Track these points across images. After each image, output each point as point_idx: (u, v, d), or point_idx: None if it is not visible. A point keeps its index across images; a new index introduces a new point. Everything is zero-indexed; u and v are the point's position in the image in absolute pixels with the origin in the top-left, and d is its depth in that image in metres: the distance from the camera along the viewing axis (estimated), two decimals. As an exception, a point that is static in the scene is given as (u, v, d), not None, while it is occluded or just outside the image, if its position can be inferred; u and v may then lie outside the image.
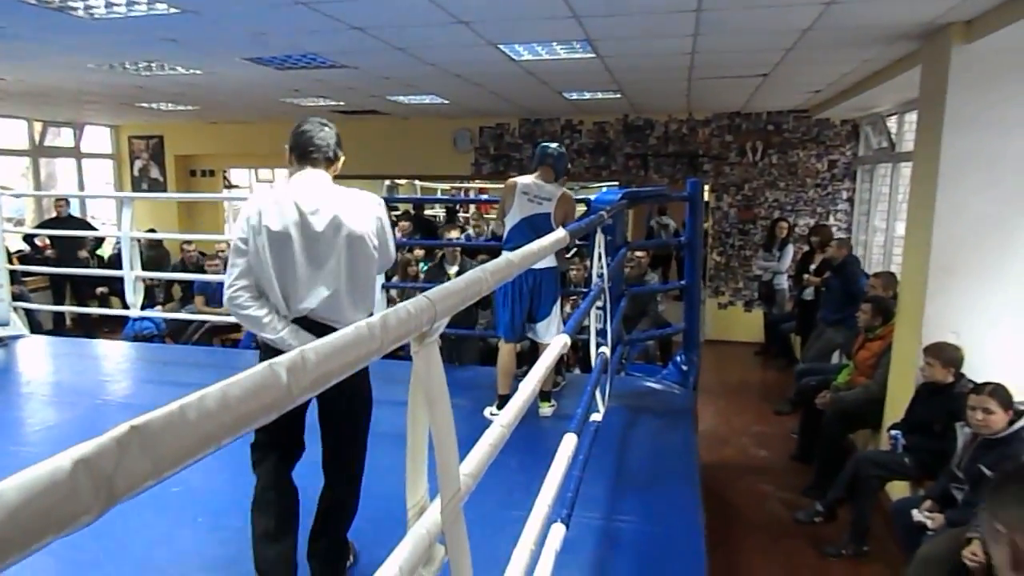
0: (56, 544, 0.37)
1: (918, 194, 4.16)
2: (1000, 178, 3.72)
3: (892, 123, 6.93)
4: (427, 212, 10.85)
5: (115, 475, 0.40)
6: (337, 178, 2.42)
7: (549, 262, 3.74)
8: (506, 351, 3.82)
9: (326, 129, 2.36)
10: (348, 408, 2.32)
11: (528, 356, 4.71)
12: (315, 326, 2.16)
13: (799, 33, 4.08)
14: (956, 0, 3.30)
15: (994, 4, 3.32)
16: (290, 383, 0.57)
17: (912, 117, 6.06)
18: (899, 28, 3.93)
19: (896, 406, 4.16)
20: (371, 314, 1.07)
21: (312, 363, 0.61)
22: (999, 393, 3.15)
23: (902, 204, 6.42)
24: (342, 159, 2.40)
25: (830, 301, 6.21)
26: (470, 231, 8.50)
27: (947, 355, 3.68)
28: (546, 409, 3.87)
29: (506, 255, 1.36)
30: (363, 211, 2.22)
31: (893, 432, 3.95)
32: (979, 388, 3.25)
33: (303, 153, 2.31)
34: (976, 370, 3.67)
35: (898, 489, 4.13)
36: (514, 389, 1.75)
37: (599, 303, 3.35)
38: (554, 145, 3.94)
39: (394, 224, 7.66)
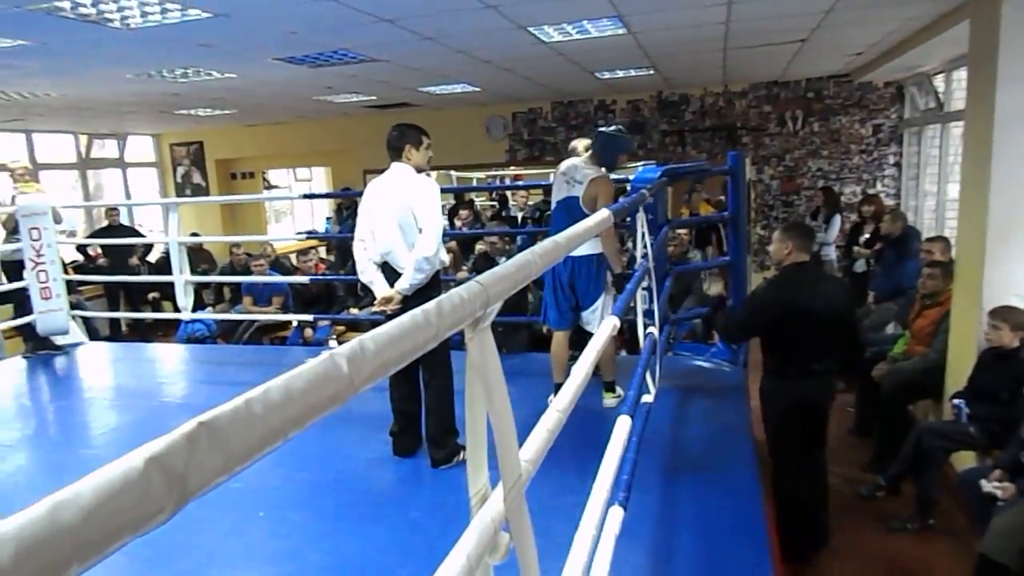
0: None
1: (972, 155, 4.00)
2: (1060, 133, 3.55)
3: (939, 82, 6.68)
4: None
5: (187, 472, 0.39)
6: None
7: (590, 248, 3.58)
8: (557, 340, 3.77)
9: (392, 134, 3.20)
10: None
11: (577, 342, 4.66)
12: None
13: (838, -6, 3.95)
14: (1007, -54, 3.15)
15: (1048, -52, 3.15)
16: (351, 373, 0.56)
17: (961, 75, 5.83)
18: (945, -19, 3.77)
19: (957, 374, 4.02)
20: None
21: (371, 352, 0.60)
22: None
23: (953, 166, 6.19)
24: (409, 151, 3.17)
25: (885, 275, 6.03)
26: (519, 214, 8.45)
27: (1016, 318, 3.54)
28: (611, 400, 3.77)
29: (553, 237, 1.34)
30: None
31: (956, 401, 3.82)
32: None
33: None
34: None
35: (964, 460, 4.00)
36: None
37: (644, 284, 3.30)
38: (603, 129, 3.76)
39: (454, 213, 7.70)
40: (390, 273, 3.16)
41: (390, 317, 3.03)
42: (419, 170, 3.18)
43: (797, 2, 4.17)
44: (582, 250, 3.60)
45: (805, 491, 3.48)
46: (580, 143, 4.48)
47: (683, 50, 5.68)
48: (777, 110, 8.31)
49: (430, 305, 0.75)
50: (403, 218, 3.08)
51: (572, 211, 3.47)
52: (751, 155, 8.39)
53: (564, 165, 3.73)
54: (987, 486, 3.19)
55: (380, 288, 3.17)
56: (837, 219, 7.48)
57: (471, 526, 0.93)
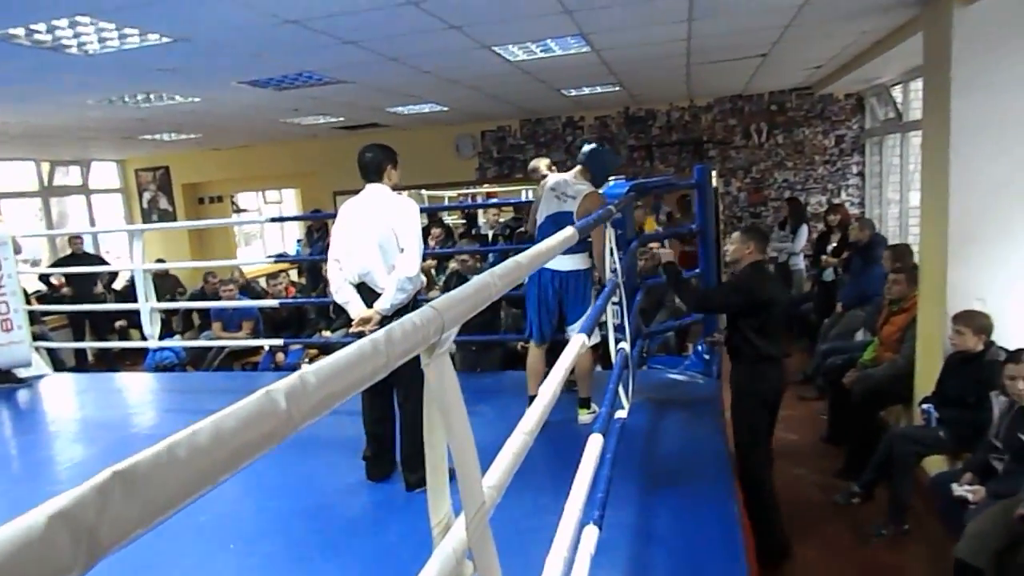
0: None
1: (931, 163, 4.08)
2: (1013, 140, 3.64)
3: (897, 93, 6.84)
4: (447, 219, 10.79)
5: (98, 526, 0.36)
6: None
7: (578, 263, 3.62)
8: (534, 354, 3.76)
9: (366, 155, 3.19)
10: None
11: (550, 358, 4.65)
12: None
13: (795, 9, 4.02)
14: (954, -39, 3.23)
15: (994, -38, 3.25)
16: (290, 409, 0.54)
17: (917, 85, 5.97)
18: (897, -5, 3.86)
19: (926, 379, 4.08)
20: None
21: (313, 386, 0.58)
22: None
23: (915, 174, 6.33)
24: (389, 171, 3.20)
25: (853, 283, 6.12)
26: (489, 232, 8.44)
27: (978, 322, 3.61)
28: (586, 417, 3.74)
29: (515, 257, 1.32)
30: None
31: (925, 406, 3.87)
32: (1017, 356, 3.18)
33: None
34: (1004, 337, 3.59)
35: (935, 464, 4.04)
36: None
37: (615, 299, 3.30)
38: (591, 145, 3.82)
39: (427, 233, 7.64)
40: (367, 294, 3.13)
41: None
42: (394, 190, 3.18)
43: (756, 18, 4.24)
44: (570, 265, 3.61)
45: (771, 481, 3.72)
46: (542, 162, 4.49)
47: (647, 66, 5.75)
48: (742, 123, 8.44)
49: (379, 333, 0.73)
50: (384, 238, 3.06)
51: (563, 226, 3.45)
52: (718, 168, 8.50)
53: (552, 180, 3.74)
54: (958, 490, 3.23)
55: (356, 309, 3.13)
56: (804, 229, 7.59)
57: (433, 557, 0.91)
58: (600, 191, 3.78)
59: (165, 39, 3.49)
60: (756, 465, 3.65)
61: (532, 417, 1.38)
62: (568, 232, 1.88)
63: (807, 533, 3.92)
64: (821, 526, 4.00)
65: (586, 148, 3.79)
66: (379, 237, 3.05)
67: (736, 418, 3.72)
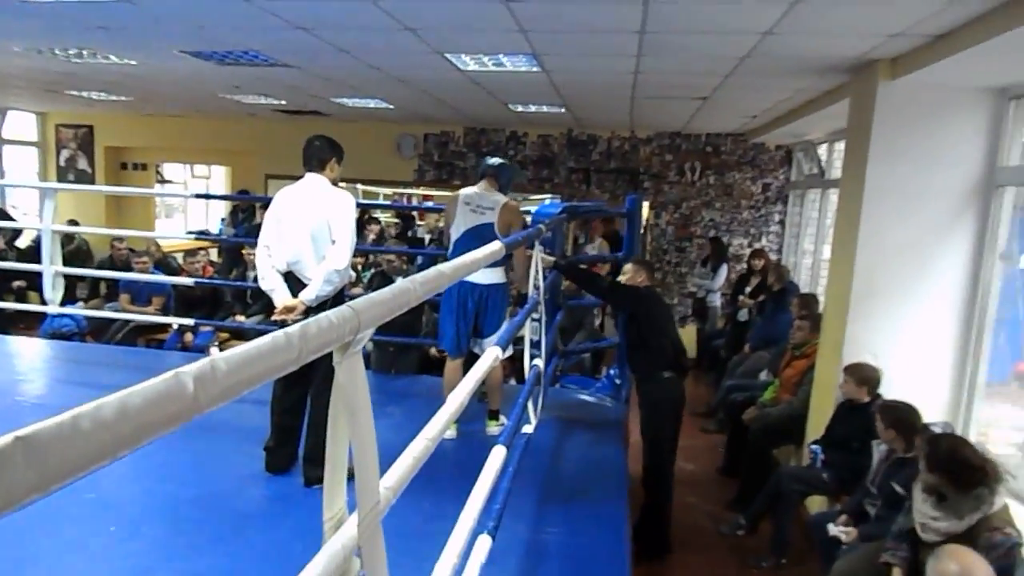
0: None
1: (843, 220, 4.34)
2: (920, 208, 3.91)
3: (823, 151, 7.22)
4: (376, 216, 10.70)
5: (-4, 488, 0.38)
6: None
7: (497, 277, 3.71)
8: (451, 367, 3.77)
9: (314, 143, 3.18)
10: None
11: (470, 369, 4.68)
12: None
13: (737, 60, 4.22)
14: (882, 38, 3.47)
15: (918, 44, 3.50)
16: (197, 393, 0.56)
17: (841, 146, 6.33)
18: (830, 61, 4.10)
19: (817, 423, 4.31)
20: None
21: (222, 372, 0.59)
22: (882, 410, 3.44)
23: (830, 229, 6.68)
24: (332, 164, 3.20)
25: (763, 325, 6.40)
26: (426, 236, 8.43)
27: (861, 374, 3.85)
28: (494, 428, 3.81)
29: (438, 266, 1.36)
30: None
31: (813, 447, 4.09)
32: (882, 409, 3.45)
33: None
34: (890, 388, 3.84)
35: (817, 504, 4.28)
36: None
37: (535, 315, 3.37)
38: (496, 159, 3.95)
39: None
40: (294, 283, 3.10)
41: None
42: (333, 183, 3.16)
43: (700, 63, 4.42)
44: (490, 278, 3.67)
45: (671, 489, 4.06)
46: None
47: (594, 93, 5.89)
48: (678, 160, 8.72)
49: (294, 327, 0.75)
50: (317, 229, 3.03)
51: (485, 239, 3.50)
52: (650, 199, 8.75)
53: (466, 194, 3.76)
54: (833, 530, 3.42)
55: (281, 296, 3.09)
56: (724, 268, 7.90)
57: (322, 551, 0.92)
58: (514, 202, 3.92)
59: (108, -3, 3.37)
60: (661, 474, 3.97)
61: (436, 424, 1.41)
62: (495, 246, 1.93)
63: (692, 560, 4.08)
64: (707, 553, 4.17)
65: (492, 160, 3.90)
66: (312, 227, 3.03)
67: (645, 424, 3.99)
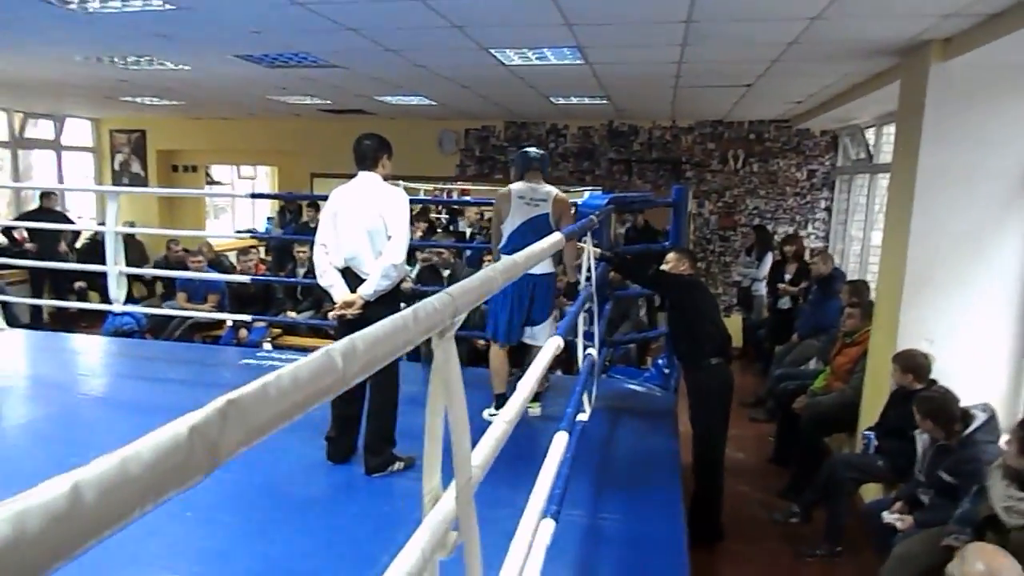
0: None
1: (895, 206, 4.28)
2: (974, 193, 3.84)
3: (870, 135, 7.10)
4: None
5: (219, 441, 0.45)
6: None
7: (546, 267, 3.83)
8: (498, 354, 3.89)
9: (364, 142, 3.26)
10: None
11: (514, 356, 4.76)
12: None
13: (784, 46, 4.19)
14: (935, 19, 3.42)
15: (972, 24, 3.44)
16: (345, 367, 0.62)
17: (890, 130, 6.22)
18: (880, 44, 4.05)
19: (871, 411, 4.28)
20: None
21: (361, 350, 0.66)
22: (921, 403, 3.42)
23: (879, 215, 6.58)
24: (384, 161, 3.28)
25: (811, 313, 6.33)
26: (468, 229, 8.56)
27: (909, 362, 3.81)
28: (535, 409, 3.93)
29: (512, 256, 1.42)
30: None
31: (866, 433, 4.07)
32: (920, 400, 3.44)
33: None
34: (946, 376, 3.79)
35: (872, 492, 4.24)
36: (510, 389, 1.90)
37: (587, 306, 3.42)
38: (534, 149, 4.06)
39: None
40: (352, 278, 3.19)
41: (349, 322, 3.06)
42: (385, 179, 3.25)
43: (746, 50, 4.40)
44: (541, 269, 3.77)
45: (723, 474, 4.11)
46: None
47: (636, 84, 5.89)
48: (720, 148, 8.65)
49: (407, 312, 0.82)
50: (373, 225, 3.12)
51: (541, 230, 3.58)
52: (693, 189, 8.70)
53: (518, 189, 3.84)
54: (888, 517, 3.41)
55: (340, 292, 3.18)
56: (769, 257, 7.82)
57: (424, 523, 0.99)
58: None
59: (168, 5, 3.50)
60: (713, 460, 4.02)
61: (512, 407, 1.47)
62: (557, 237, 1.98)
63: (746, 548, 4.09)
64: (760, 542, 4.17)
65: (533, 152, 4.00)
66: (368, 224, 3.11)
67: (695, 411, 4.03)
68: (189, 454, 0.42)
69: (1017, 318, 3.92)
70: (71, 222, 8.93)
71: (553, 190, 3.85)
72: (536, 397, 3.96)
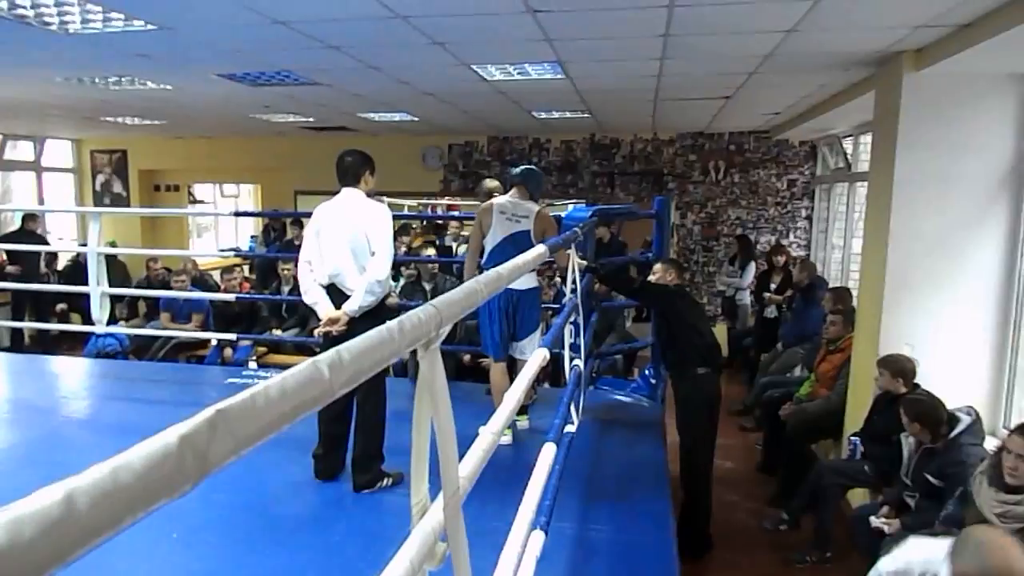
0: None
1: (873, 212, 4.35)
2: (950, 196, 3.92)
3: (848, 144, 7.20)
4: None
5: (208, 451, 0.46)
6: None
7: (529, 283, 3.84)
8: (496, 370, 3.88)
9: (346, 159, 3.27)
10: None
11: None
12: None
13: (761, 58, 4.26)
14: (907, 31, 3.49)
15: (942, 35, 3.52)
16: (332, 378, 0.63)
17: (867, 139, 6.31)
18: (855, 56, 4.13)
19: (855, 416, 4.32)
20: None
21: (347, 361, 0.67)
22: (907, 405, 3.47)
23: (858, 222, 6.66)
24: (366, 177, 3.30)
25: (794, 321, 6.39)
26: (453, 245, 8.57)
27: (896, 366, 3.85)
28: (523, 422, 3.95)
29: (495, 269, 1.43)
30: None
31: (852, 438, 4.10)
32: (907, 402, 3.48)
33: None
34: (928, 379, 3.84)
35: (859, 497, 4.27)
36: None
37: (572, 318, 3.43)
38: (521, 167, 4.06)
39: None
40: (336, 295, 3.19)
41: (335, 339, 3.05)
42: (368, 195, 3.26)
43: (724, 63, 4.47)
44: (524, 284, 3.79)
45: (711, 484, 4.11)
46: (491, 183, 4.61)
47: (617, 98, 5.96)
48: (702, 160, 8.75)
49: (393, 323, 0.83)
50: (356, 241, 3.13)
51: (521, 246, 3.59)
52: (676, 200, 8.78)
53: (501, 204, 3.85)
54: (875, 521, 3.44)
55: (325, 309, 3.18)
56: (752, 266, 7.89)
57: (413, 534, 1.00)
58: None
59: (150, 26, 3.51)
60: (699, 472, 4.02)
61: (499, 419, 1.48)
62: (541, 250, 2.00)
63: (735, 557, 4.10)
64: (749, 550, 4.18)
65: (520, 168, 4.02)
66: (352, 240, 3.12)
67: (682, 421, 4.04)
68: (179, 463, 0.42)
69: (996, 320, 3.98)
70: (46, 243, 8.86)
71: (536, 207, 3.86)
72: (523, 410, 3.97)
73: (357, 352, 0.70)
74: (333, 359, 0.65)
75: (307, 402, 0.59)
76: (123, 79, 5.18)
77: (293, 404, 0.56)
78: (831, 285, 6.50)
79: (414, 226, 9.08)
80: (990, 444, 3.46)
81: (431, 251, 6.54)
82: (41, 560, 0.33)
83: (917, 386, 3.83)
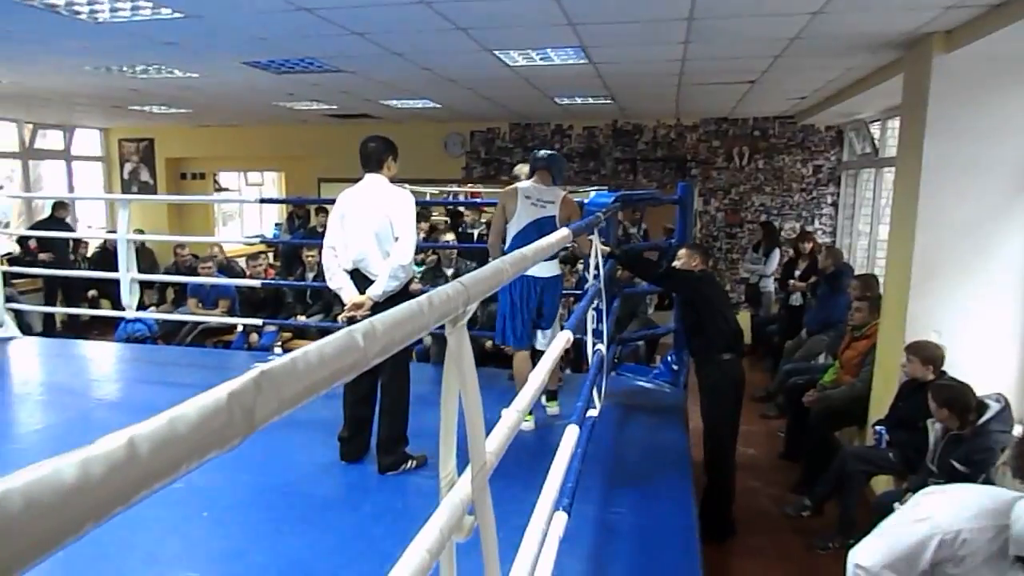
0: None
1: (901, 199, 4.29)
2: (979, 183, 3.85)
3: (875, 129, 7.10)
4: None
5: (254, 408, 0.48)
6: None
7: (553, 270, 3.85)
8: (520, 358, 3.88)
9: (370, 145, 3.29)
10: None
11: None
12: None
13: (787, 41, 4.21)
14: (937, 11, 3.43)
15: (973, 15, 3.45)
16: (366, 347, 0.65)
17: (894, 123, 6.22)
18: (882, 37, 4.06)
19: (880, 403, 4.28)
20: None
21: (380, 332, 0.69)
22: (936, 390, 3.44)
23: (885, 208, 6.58)
24: (389, 163, 3.30)
25: (819, 308, 6.34)
26: (475, 231, 8.61)
27: (926, 353, 3.81)
28: (554, 408, 3.95)
29: (520, 250, 1.45)
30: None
31: (877, 427, 4.07)
32: (935, 388, 3.46)
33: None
34: (955, 367, 3.80)
35: (883, 484, 4.25)
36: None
37: (595, 303, 3.44)
38: (544, 151, 4.05)
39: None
40: (360, 280, 3.22)
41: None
42: (391, 181, 3.28)
43: (749, 46, 4.43)
44: (549, 271, 3.80)
45: (734, 469, 4.12)
46: (524, 168, 4.62)
47: (640, 83, 5.92)
48: (725, 146, 8.67)
49: (422, 298, 0.85)
50: (380, 227, 3.16)
51: (545, 231, 3.56)
52: (699, 187, 8.72)
53: (525, 188, 3.84)
54: (899, 507, 3.41)
55: (349, 294, 3.21)
56: (776, 253, 7.83)
57: (442, 505, 1.02)
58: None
59: (177, 14, 3.56)
60: (723, 454, 4.02)
61: (525, 396, 1.50)
62: (564, 232, 2.01)
63: (758, 542, 4.10)
64: (772, 536, 4.18)
65: (541, 153, 3.99)
66: (375, 225, 3.15)
67: (705, 407, 4.04)
68: (229, 417, 0.45)
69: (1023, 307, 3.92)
70: (72, 230, 9.04)
71: (561, 193, 3.85)
72: (553, 395, 3.97)
73: (389, 323, 0.72)
74: (367, 329, 0.67)
75: (343, 368, 0.61)
76: (150, 68, 5.25)
77: (331, 370, 0.58)
78: (856, 272, 6.43)
79: (434, 214, 9.13)
80: (1018, 431, 3.43)
81: (450, 236, 6.57)
82: (108, 498, 0.35)
83: (944, 373, 3.80)
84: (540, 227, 3.69)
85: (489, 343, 5.83)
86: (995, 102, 3.79)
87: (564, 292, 5.22)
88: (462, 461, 1.10)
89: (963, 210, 3.88)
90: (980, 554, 2.09)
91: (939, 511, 2.19)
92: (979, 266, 3.92)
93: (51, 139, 9.90)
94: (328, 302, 6.56)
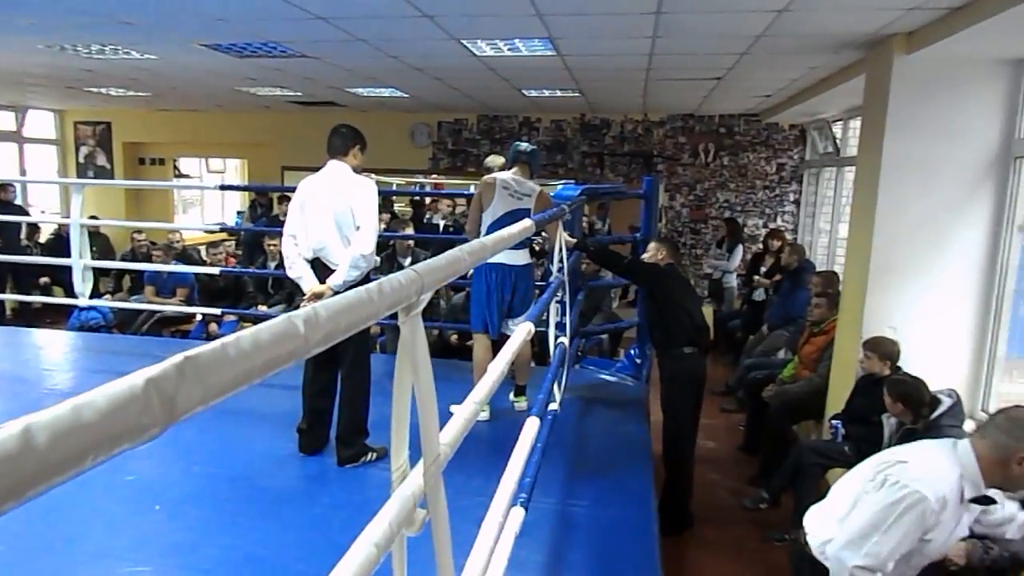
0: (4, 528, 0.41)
1: (860, 197, 4.36)
2: (938, 182, 3.93)
3: (837, 129, 7.21)
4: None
5: (176, 396, 0.45)
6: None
7: (525, 259, 3.84)
8: (481, 347, 3.85)
9: (341, 130, 3.26)
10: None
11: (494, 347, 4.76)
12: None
13: (752, 39, 4.24)
14: (898, 13, 3.48)
15: (934, 17, 3.51)
16: (307, 334, 0.62)
17: (856, 123, 6.33)
18: (845, 38, 4.11)
19: (837, 397, 4.36)
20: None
21: (323, 318, 0.66)
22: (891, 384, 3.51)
23: (845, 207, 6.69)
24: (355, 152, 3.27)
25: (780, 303, 6.43)
26: (441, 222, 8.55)
27: (883, 348, 3.89)
28: (522, 403, 3.92)
29: (479, 239, 1.42)
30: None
31: (833, 421, 4.14)
32: (891, 382, 3.55)
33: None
34: (909, 362, 3.87)
35: (838, 476, 4.31)
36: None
37: (558, 296, 3.43)
38: (525, 143, 4.03)
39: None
40: (321, 269, 3.17)
41: None
42: (355, 170, 3.22)
43: (716, 42, 4.45)
44: (520, 260, 3.78)
45: (692, 463, 4.16)
46: (497, 160, 4.59)
47: (608, 77, 5.92)
48: (691, 142, 8.74)
49: (372, 285, 0.82)
50: (341, 215, 3.10)
51: None
52: (664, 182, 8.77)
53: (503, 179, 3.80)
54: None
55: (309, 283, 3.16)
56: (739, 249, 7.92)
57: (392, 498, 0.99)
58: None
59: (132, -8, 3.44)
60: (679, 447, 4.05)
61: (482, 389, 1.48)
62: (527, 223, 1.99)
63: (716, 534, 4.15)
64: (730, 528, 4.23)
65: (523, 146, 3.98)
66: (336, 214, 3.09)
67: (666, 399, 4.06)
68: (145, 406, 0.42)
69: (977, 305, 4.02)
70: (27, 214, 8.74)
71: (537, 187, 3.83)
72: (521, 391, 3.95)
73: (334, 310, 0.69)
74: (309, 315, 0.64)
75: (281, 356, 0.58)
76: (106, 48, 5.08)
77: (266, 357, 0.55)
78: (819, 269, 6.53)
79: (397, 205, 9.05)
80: (969, 427, 3.51)
81: (409, 229, 6.52)
82: (-4, 494, 0.32)
83: (899, 368, 3.87)
84: (515, 218, 3.66)
85: (455, 337, 5.80)
86: (952, 103, 3.87)
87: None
88: (418, 454, 1.07)
89: (920, 207, 3.96)
90: (950, 507, 2.14)
91: (922, 485, 2.16)
92: (935, 262, 4.01)
93: (2, 120, 9.55)
94: (290, 293, 6.45)
